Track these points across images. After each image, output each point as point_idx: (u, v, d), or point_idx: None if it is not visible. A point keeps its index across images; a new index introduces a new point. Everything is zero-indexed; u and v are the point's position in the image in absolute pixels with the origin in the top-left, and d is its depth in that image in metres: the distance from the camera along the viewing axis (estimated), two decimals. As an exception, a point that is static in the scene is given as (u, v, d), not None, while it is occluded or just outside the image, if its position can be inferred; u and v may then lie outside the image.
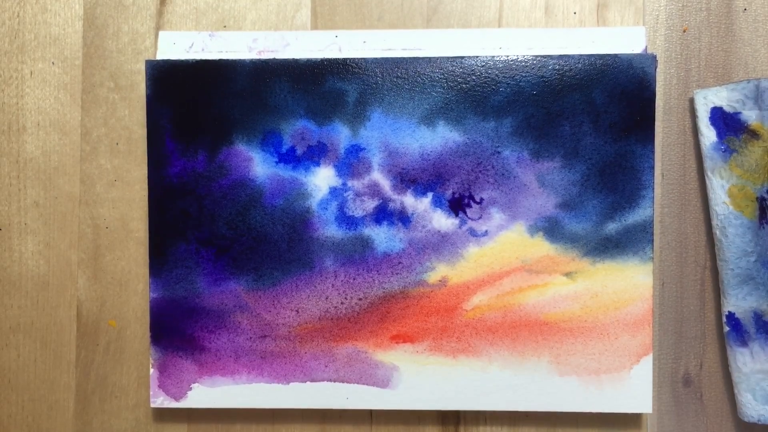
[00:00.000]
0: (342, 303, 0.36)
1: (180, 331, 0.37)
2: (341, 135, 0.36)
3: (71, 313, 0.38)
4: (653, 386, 0.37)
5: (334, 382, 0.36)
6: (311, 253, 0.36)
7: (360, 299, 0.36)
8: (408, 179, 0.36)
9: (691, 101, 0.37)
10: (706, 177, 0.36)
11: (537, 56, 0.35)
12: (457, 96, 0.36)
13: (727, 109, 0.35)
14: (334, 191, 0.36)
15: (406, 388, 0.36)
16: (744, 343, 0.35)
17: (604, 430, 0.37)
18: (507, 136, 0.36)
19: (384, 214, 0.36)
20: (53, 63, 0.38)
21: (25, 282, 0.39)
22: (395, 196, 0.36)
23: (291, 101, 0.36)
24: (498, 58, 0.35)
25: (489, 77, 0.36)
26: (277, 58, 0.36)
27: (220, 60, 0.36)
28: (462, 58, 0.36)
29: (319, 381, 0.36)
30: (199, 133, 0.36)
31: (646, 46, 0.36)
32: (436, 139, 0.36)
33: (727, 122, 0.35)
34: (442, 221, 0.36)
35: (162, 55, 0.37)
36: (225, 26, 0.38)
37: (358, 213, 0.36)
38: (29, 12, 0.39)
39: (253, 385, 0.36)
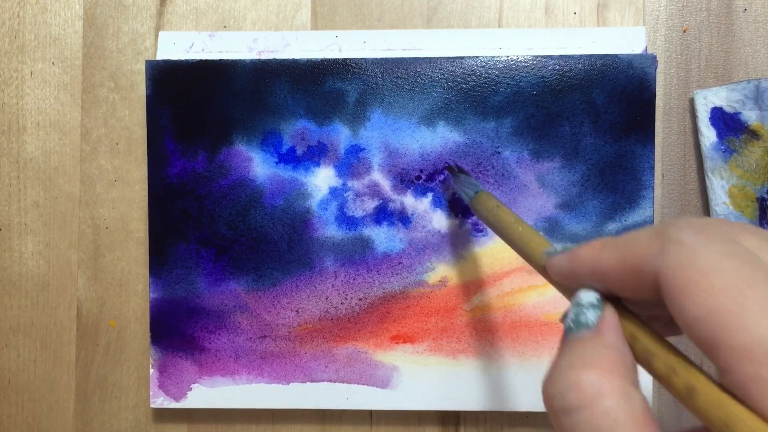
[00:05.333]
0: (342, 303, 0.36)
1: (180, 331, 0.37)
2: (341, 135, 0.36)
3: (71, 313, 0.38)
4: (654, 385, 0.37)
5: (334, 382, 0.36)
6: (311, 254, 0.36)
7: (360, 299, 0.36)
8: (408, 179, 0.36)
9: (691, 101, 0.37)
10: (706, 177, 0.36)
11: (537, 56, 0.35)
12: (457, 96, 0.36)
13: (727, 109, 0.35)
14: (334, 191, 0.36)
15: (406, 389, 0.36)
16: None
17: (604, 431, 0.37)
18: (507, 137, 0.36)
19: (384, 214, 0.36)
20: (53, 63, 0.38)
21: (25, 282, 0.39)
22: (395, 197, 0.36)
23: (291, 101, 0.36)
24: (498, 58, 0.35)
25: (489, 77, 0.36)
26: (277, 58, 0.36)
27: (220, 60, 0.36)
28: (462, 58, 0.36)
29: (319, 381, 0.36)
30: (199, 133, 0.36)
31: (646, 47, 0.36)
32: (436, 139, 0.36)
33: (727, 122, 0.35)
34: (443, 221, 0.36)
35: (162, 55, 0.37)
36: (225, 26, 0.38)
37: (358, 213, 0.36)
38: (29, 12, 0.38)
39: (253, 386, 0.36)
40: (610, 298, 0.17)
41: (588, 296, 0.17)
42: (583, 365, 0.15)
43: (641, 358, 0.16)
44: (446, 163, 0.35)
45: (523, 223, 0.24)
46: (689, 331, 0.14)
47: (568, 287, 0.19)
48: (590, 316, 0.17)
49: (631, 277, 0.16)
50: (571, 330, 0.17)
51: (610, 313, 0.17)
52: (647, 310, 0.18)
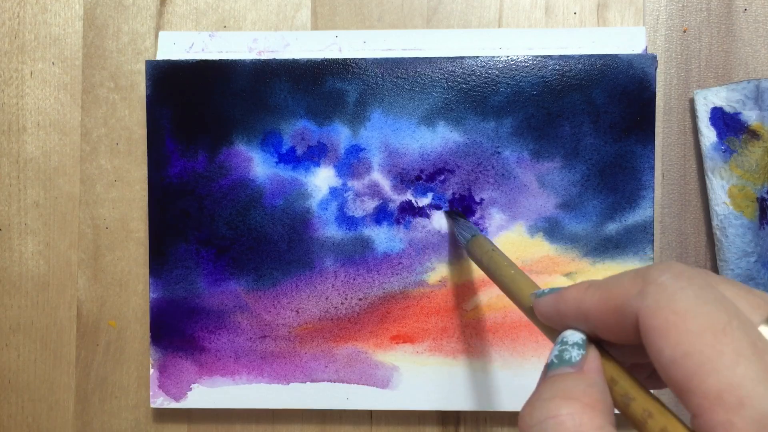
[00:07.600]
0: (342, 303, 0.36)
1: (180, 331, 0.37)
2: (341, 135, 0.36)
3: (71, 313, 0.38)
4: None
5: (334, 382, 0.36)
6: (311, 254, 0.36)
7: (360, 299, 0.36)
8: (408, 179, 0.36)
9: (691, 101, 0.37)
10: (706, 177, 0.36)
11: (537, 56, 0.35)
12: (457, 96, 0.36)
13: (727, 109, 0.35)
14: (334, 191, 0.36)
15: (406, 389, 0.36)
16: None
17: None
18: (507, 137, 0.36)
19: (384, 214, 0.36)
20: (53, 63, 0.38)
21: (25, 282, 0.39)
22: (395, 197, 0.36)
23: (291, 101, 0.36)
24: (498, 58, 0.35)
25: (489, 77, 0.36)
26: (277, 58, 0.36)
27: (220, 60, 0.36)
28: (462, 58, 0.36)
29: (319, 381, 0.36)
30: (199, 133, 0.36)
31: (646, 47, 0.36)
32: (436, 139, 0.36)
33: (727, 122, 0.35)
34: (443, 221, 0.36)
35: (162, 55, 0.37)
36: (225, 26, 0.38)
37: (358, 213, 0.36)
38: (29, 12, 0.38)
39: (253, 386, 0.36)
40: (594, 341, 0.18)
41: (573, 336, 0.18)
42: (565, 397, 0.15)
43: (619, 401, 0.16)
44: (446, 208, 0.35)
45: (516, 267, 0.25)
46: (665, 373, 0.14)
47: (553, 330, 0.19)
48: (574, 354, 0.17)
49: (613, 318, 0.16)
50: (554, 365, 0.17)
51: (594, 354, 0.17)
52: (630, 358, 0.19)
